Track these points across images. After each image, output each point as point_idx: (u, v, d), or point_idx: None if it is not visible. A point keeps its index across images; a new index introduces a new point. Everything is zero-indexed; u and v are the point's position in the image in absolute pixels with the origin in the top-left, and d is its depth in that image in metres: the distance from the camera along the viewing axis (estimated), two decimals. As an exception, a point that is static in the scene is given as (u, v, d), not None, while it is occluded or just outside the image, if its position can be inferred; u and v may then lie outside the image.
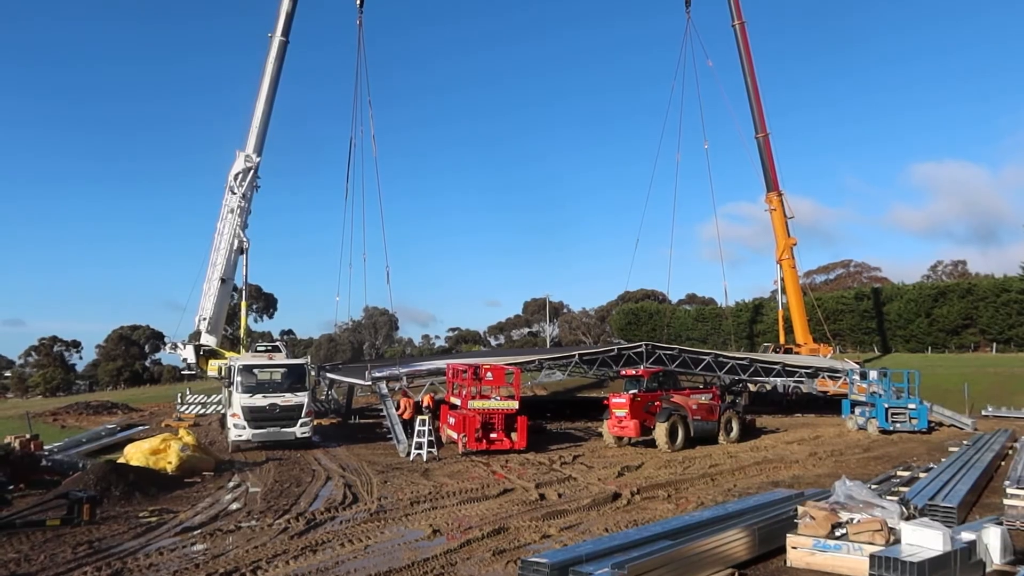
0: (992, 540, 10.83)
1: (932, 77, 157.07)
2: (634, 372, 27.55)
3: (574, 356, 31.39)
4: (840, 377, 33.95)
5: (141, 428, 31.90)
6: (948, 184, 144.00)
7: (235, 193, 39.47)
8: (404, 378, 28.35)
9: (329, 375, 37.36)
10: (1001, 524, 11.85)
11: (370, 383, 27.99)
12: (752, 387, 43.52)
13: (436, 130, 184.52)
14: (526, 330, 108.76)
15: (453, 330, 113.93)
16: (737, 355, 35.63)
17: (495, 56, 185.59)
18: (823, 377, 35.04)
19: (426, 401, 27.07)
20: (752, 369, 33.99)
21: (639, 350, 32.01)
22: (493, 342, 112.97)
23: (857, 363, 38.52)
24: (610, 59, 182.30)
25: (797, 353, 44.38)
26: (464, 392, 24.81)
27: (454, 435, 24.73)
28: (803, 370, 34.77)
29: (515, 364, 29.77)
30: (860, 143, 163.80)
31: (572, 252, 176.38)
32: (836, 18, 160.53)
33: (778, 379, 35.58)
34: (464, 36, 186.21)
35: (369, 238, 46.52)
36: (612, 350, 32.15)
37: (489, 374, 25.14)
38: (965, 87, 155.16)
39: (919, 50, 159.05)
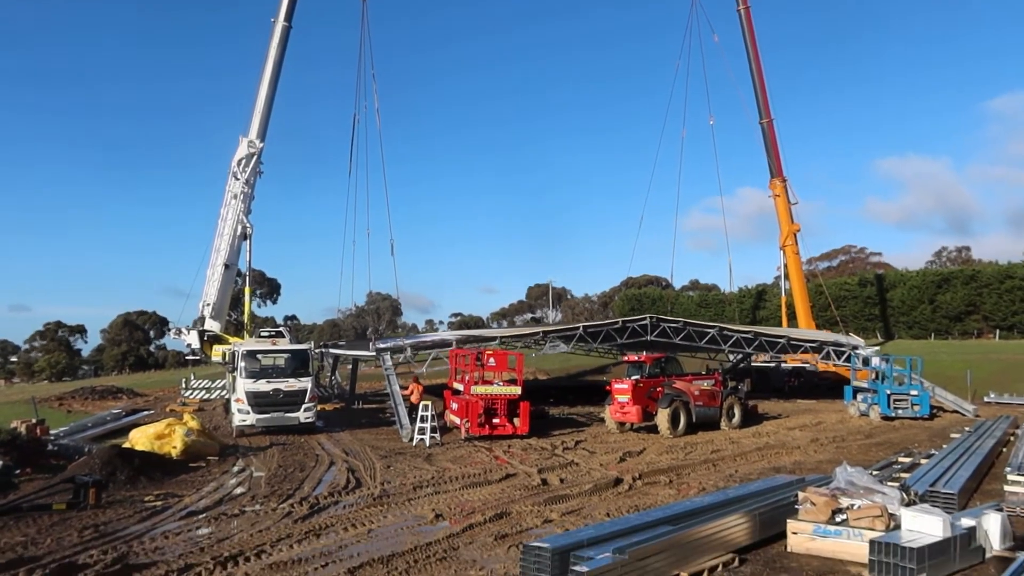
0: (992, 526, 10.87)
1: (890, 72, 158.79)
2: (636, 358, 27.59)
3: (578, 328, 31.26)
4: (844, 351, 33.70)
5: (146, 413, 32.07)
6: (915, 178, 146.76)
7: (238, 179, 39.39)
8: (408, 349, 28.24)
9: (332, 350, 37.37)
10: (1001, 510, 11.88)
11: (374, 354, 27.90)
12: (753, 367, 43.61)
13: (435, 115, 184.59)
14: (529, 316, 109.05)
15: (456, 315, 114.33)
16: (742, 328, 35.31)
17: (498, 41, 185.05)
18: (825, 359, 34.80)
19: (415, 395, 26.67)
20: (757, 343, 33.73)
21: (643, 323, 31.84)
22: (496, 327, 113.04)
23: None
24: (614, 44, 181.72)
25: (800, 339, 44.31)
26: (467, 378, 24.88)
27: (457, 420, 24.84)
28: (808, 343, 34.62)
29: (521, 335, 29.86)
30: (825, 136, 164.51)
31: (571, 238, 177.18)
32: (789, 14, 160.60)
33: (783, 353, 35.30)
34: (468, 21, 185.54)
35: (372, 217, 46.66)
36: (616, 322, 31.99)
37: (492, 359, 25.20)
38: (921, 82, 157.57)
39: (877, 47, 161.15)
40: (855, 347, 33.64)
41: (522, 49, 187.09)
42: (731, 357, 43.52)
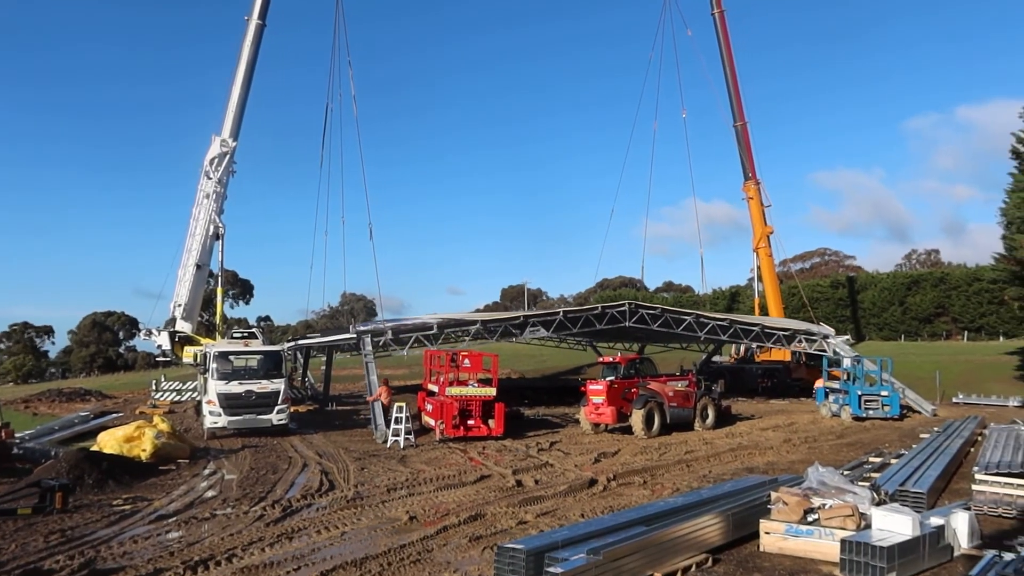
0: (960, 525, 11.04)
1: (816, 88, 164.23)
2: (611, 359, 27.69)
3: (559, 314, 31.25)
4: (815, 339, 34.32)
5: (115, 415, 31.56)
6: (851, 190, 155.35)
7: (211, 178, 38.99)
8: (389, 332, 28.03)
9: (305, 341, 37.02)
10: (969, 509, 12.07)
11: (354, 337, 27.66)
12: (727, 368, 44.01)
13: (407, 118, 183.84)
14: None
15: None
16: (717, 316, 35.53)
17: (480, 44, 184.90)
18: (798, 349, 35.33)
19: (383, 396, 26.55)
20: (732, 330, 34.11)
21: (622, 308, 31.95)
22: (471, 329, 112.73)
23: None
24: (599, 45, 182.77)
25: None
26: (442, 379, 24.80)
27: (431, 422, 24.74)
28: (780, 331, 35.15)
29: (502, 320, 29.89)
30: (764, 149, 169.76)
31: (543, 241, 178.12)
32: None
33: (755, 343, 35.69)
34: (443, 25, 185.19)
35: (346, 209, 47.33)
36: (596, 308, 32.05)
37: (467, 360, 25.14)
38: (846, 100, 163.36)
39: (801, 63, 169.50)
40: (826, 336, 34.34)
41: (503, 52, 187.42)
42: (705, 347, 43.85)
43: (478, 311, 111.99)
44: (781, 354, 43.58)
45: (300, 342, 37.05)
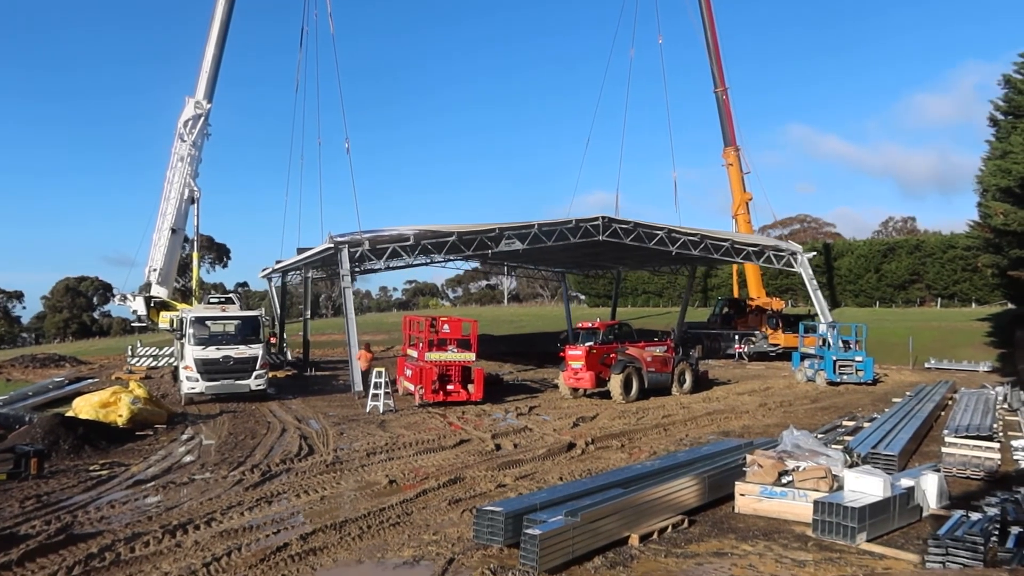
0: (929, 486, 11.28)
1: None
2: (590, 325, 27.81)
3: (533, 226, 31.12)
4: (784, 256, 35.97)
5: (90, 381, 31.22)
6: (705, 182, 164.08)
7: (184, 141, 38.19)
8: (367, 243, 27.93)
9: (278, 265, 37.15)
10: (938, 471, 12.33)
11: (332, 247, 27.68)
12: (704, 334, 44.54)
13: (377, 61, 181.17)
14: (484, 283, 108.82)
15: (410, 283, 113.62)
16: (688, 230, 35.60)
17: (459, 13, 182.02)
18: (767, 264, 36.79)
19: (363, 362, 26.58)
20: (703, 245, 34.79)
21: (596, 222, 32.07)
22: (451, 294, 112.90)
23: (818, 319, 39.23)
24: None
25: (750, 307, 45.24)
26: (421, 344, 24.78)
27: (411, 387, 24.77)
28: (750, 248, 36.18)
29: (478, 232, 30.06)
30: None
31: (514, 205, 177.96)
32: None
33: (727, 258, 36.59)
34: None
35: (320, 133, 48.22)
36: (570, 222, 31.90)
37: (446, 326, 25.12)
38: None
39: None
40: (793, 252, 36.12)
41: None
42: (679, 270, 44.44)
43: (458, 276, 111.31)
44: (757, 320, 44.05)
45: (276, 266, 36.89)
